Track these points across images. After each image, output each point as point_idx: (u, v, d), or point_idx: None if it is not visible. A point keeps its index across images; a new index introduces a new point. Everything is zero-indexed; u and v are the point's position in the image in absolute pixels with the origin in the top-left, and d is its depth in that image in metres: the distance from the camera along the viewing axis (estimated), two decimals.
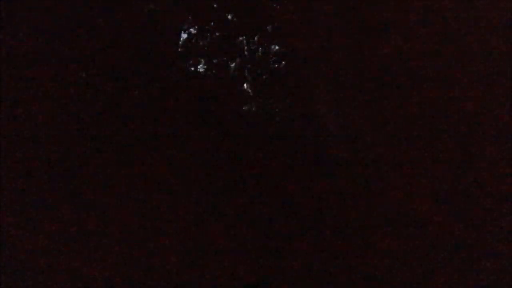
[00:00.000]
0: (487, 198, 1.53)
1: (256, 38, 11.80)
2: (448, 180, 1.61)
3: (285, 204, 2.67)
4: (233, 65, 12.08)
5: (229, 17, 10.90)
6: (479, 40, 1.61)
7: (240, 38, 12.02)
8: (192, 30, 11.25)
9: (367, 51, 1.84)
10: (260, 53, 11.93)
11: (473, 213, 1.68)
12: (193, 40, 11.25)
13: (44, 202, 2.44)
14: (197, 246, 2.59)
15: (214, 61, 11.37)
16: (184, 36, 11.24)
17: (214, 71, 11.69)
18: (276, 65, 11.39)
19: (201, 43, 11.19)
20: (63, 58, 3.74)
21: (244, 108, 12.69)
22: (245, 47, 11.96)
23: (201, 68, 12.11)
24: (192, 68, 11.74)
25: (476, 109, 1.57)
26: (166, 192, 2.79)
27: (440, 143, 1.61)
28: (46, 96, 3.25)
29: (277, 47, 11.32)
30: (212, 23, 11.09)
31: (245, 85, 12.99)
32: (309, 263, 2.43)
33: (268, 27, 10.90)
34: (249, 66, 11.91)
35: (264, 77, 11.90)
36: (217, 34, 11.16)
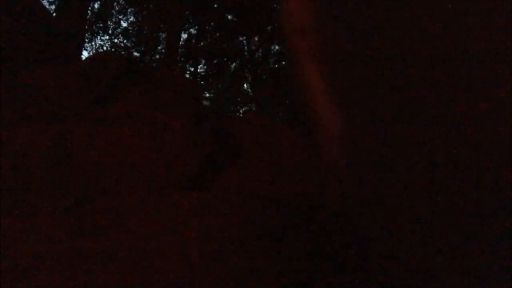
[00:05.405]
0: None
1: (256, 38, 11.78)
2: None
3: None
4: (233, 65, 12.08)
5: (229, 17, 10.89)
6: (479, 40, 1.59)
7: (240, 38, 12.01)
8: (192, 30, 11.24)
9: (367, 52, 1.83)
10: (260, 53, 11.92)
11: None
12: (193, 40, 11.24)
13: None
14: None
15: (214, 61, 11.36)
16: (184, 36, 11.23)
17: (214, 71, 11.69)
18: (276, 65, 11.38)
19: (201, 43, 11.18)
20: None
21: (244, 108, 12.69)
22: (245, 47, 11.95)
23: (201, 68, 12.10)
24: (192, 68, 11.74)
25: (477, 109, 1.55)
26: None
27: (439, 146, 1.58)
28: None
29: (277, 47, 11.32)
30: (212, 23, 11.08)
31: (245, 85, 12.99)
32: None
33: (268, 27, 10.88)
34: (249, 66, 11.90)
35: (264, 77, 11.89)
36: (217, 34, 11.14)
